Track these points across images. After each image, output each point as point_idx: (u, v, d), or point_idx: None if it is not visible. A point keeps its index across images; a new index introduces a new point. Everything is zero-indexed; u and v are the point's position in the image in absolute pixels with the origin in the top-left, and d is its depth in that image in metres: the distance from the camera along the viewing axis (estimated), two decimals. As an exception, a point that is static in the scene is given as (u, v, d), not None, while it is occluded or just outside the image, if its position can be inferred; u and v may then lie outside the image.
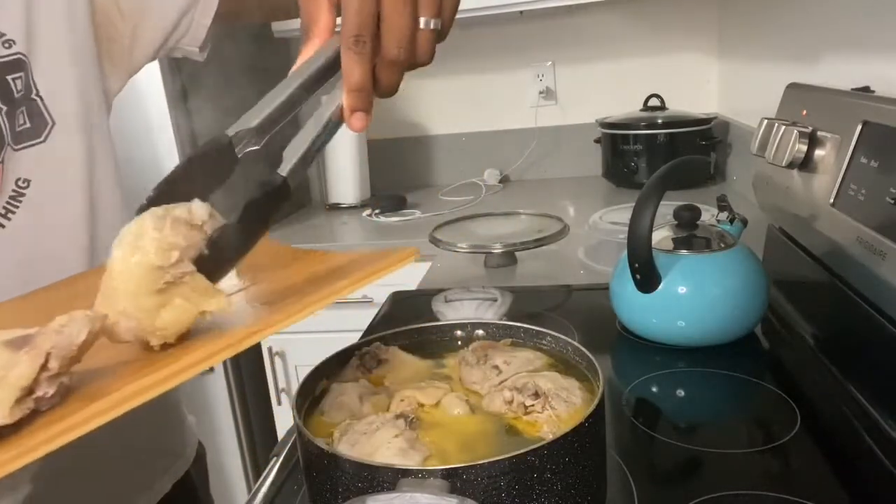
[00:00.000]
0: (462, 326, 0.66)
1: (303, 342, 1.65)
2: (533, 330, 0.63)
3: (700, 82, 1.96)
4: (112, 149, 0.66)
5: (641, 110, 1.87)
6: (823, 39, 1.09)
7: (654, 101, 1.87)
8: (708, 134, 1.78)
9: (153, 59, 0.71)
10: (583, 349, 0.57)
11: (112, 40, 0.66)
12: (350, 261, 0.50)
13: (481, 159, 2.10)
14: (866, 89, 0.80)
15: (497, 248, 1.20)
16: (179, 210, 0.41)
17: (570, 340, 0.59)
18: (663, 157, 1.72)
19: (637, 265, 0.78)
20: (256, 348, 1.68)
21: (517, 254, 1.23)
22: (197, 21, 0.69)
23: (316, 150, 0.47)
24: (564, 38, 2.02)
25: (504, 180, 2.09)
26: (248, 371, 1.73)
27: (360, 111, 0.45)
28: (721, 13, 1.88)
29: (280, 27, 1.80)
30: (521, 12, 1.82)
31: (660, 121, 1.79)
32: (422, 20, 0.43)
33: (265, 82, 0.49)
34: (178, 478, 0.75)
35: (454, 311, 0.88)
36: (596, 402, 0.49)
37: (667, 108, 1.85)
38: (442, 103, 2.12)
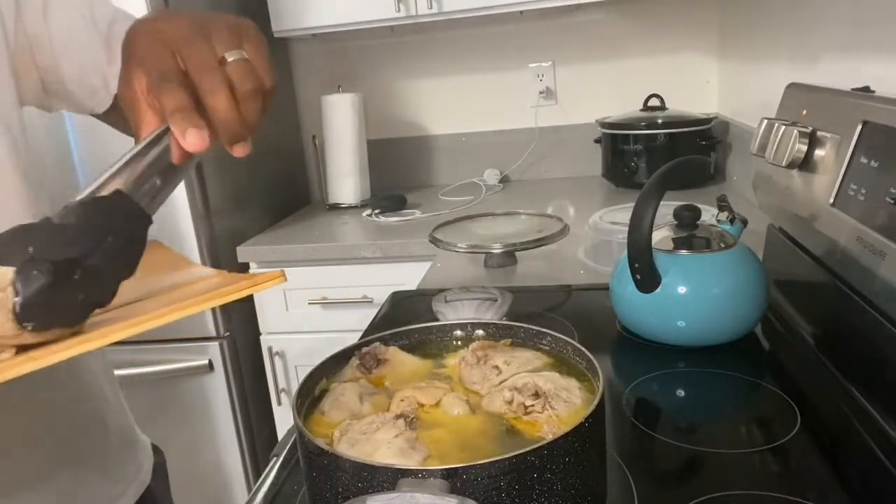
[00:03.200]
0: (462, 326, 0.66)
1: (303, 342, 1.65)
2: (533, 330, 0.63)
3: (700, 82, 1.96)
4: (24, 150, 0.65)
5: (641, 110, 1.87)
6: (823, 39, 1.09)
7: (654, 101, 1.87)
8: (708, 134, 1.78)
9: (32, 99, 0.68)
10: (583, 349, 0.57)
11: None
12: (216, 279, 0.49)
13: (481, 159, 2.10)
14: (866, 89, 0.80)
15: (497, 248, 1.20)
16: None
17: (569, 340, 0.59)
18: (663, 157, 1.72)
19: (637, 265, 0.78)
20: (257, 348, 1.68)
21: (517, 254, 1.23)
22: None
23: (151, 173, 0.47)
24: (564, 38, 2.02)
25: (504, 180, 2.09)
26: (248, 371, 1.73)
27: (190, 128, 0.45)
28: (721, 13, 1.88)
29: (280, 27, 1.80)
30: (521, 12, 1.82)
31: (660, 121, 1.79)
32: (225, 54, 0.46)
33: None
34: (136, 499, 0.72)
35: (454, 311, 0.88)
36: (596, 402, 0.49)
37: (667, 108, 1.85)
38: (442, 103, 2.12)
